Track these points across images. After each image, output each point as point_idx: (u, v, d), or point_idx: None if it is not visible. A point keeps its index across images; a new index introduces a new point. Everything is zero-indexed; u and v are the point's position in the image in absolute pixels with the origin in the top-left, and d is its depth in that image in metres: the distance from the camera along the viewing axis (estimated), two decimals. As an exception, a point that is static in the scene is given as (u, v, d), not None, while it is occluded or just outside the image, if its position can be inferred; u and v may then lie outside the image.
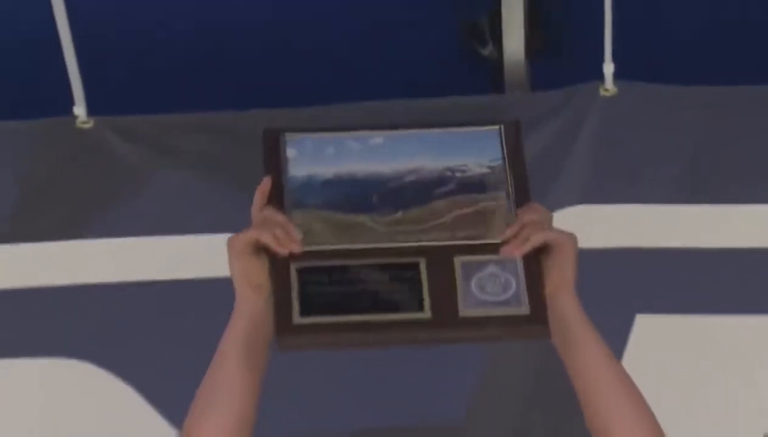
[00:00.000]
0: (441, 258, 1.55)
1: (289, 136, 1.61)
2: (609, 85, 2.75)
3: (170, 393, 2.55)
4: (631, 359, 2.53)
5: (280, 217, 1.48)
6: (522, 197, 1.58)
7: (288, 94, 2.79)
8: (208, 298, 2.64)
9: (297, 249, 1.46)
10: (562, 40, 2.87)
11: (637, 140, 2.76)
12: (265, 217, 1.48)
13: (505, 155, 1.62)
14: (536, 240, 1.48)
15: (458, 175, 1.61)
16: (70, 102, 2.76)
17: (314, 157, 1.60)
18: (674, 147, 2.75)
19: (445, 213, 1.59)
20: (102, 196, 2.74)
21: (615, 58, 2.74)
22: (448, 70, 2.85)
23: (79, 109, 2.75)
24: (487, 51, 2.83)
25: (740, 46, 2.83)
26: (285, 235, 1.46)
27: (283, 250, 1.44)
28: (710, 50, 2.82)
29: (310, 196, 1.57)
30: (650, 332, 2.62)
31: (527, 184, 1.59)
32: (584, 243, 2.69)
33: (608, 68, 2.74)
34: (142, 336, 2.65)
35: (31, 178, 2.76)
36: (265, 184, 1.50)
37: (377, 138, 1.61)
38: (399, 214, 1.57)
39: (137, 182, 2.76)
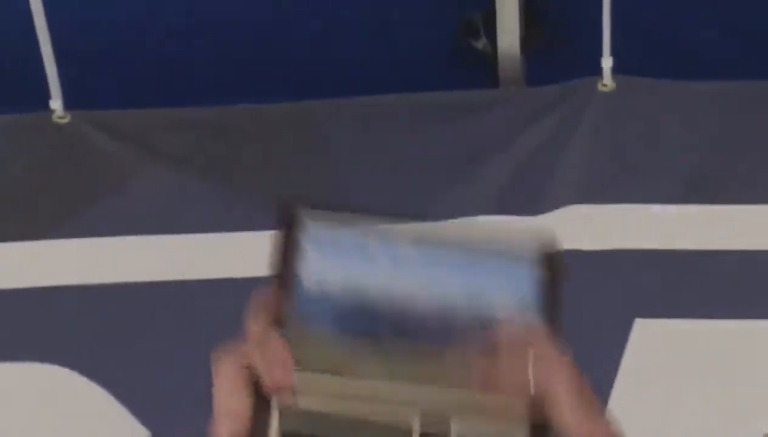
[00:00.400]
0: (438, 422, 1.42)
1: (309, 223, 1.43)
2: (607, 80, 2.69)
3: (147, 398, 2.49)
4: (629, 363, 2.48)
5: (280, 347, 1.39)
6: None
7: (283, 91, 2.73)
8: (191, 300, 2.59)
9: (288, 385, 1.38)
10: (560, 35, 2.82)
11: (636, 136, 2.71)
12: (265, 343, 1.39)
13: (541, 298, 1.47)
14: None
15: (484, 320, 1.42)
16: (46, 95, 2.68)
17: (331, 258, 1.40)
18: (675, 143, 2.69)
19: (458, 368, 1.43)
20: (79, 195, 2.68)
21: (613, 53, 2.68)
22: (446, 69, 2.81)
23: (56, 103, 2.68)
24: (481, 44, 2.77)
25: (739, 41, 2.78)
26: (282, 373, 1.38)
27: (274, 393, 1.38)
28: (709, 45, 2.78)
29: (317, 314, 1.38)
30: (649, 336, 2.56)
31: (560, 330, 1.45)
32: (582, 244, 2.64)
33: (606, 63, 2.68)
34: (120, 339, 2.58)
35: (3, 175, 2.68)
36: (273, 299, 1.40)
37: (407, 249, 1.42)
38: (407, 358, 1.38)
39: (117, 180, 2.69)
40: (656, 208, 2.66)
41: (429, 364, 1.34)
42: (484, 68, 2.80)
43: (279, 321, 1.31)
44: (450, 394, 1.33)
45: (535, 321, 1.35)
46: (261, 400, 1.39)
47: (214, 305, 2.48)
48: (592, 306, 2.48)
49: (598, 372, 1.92)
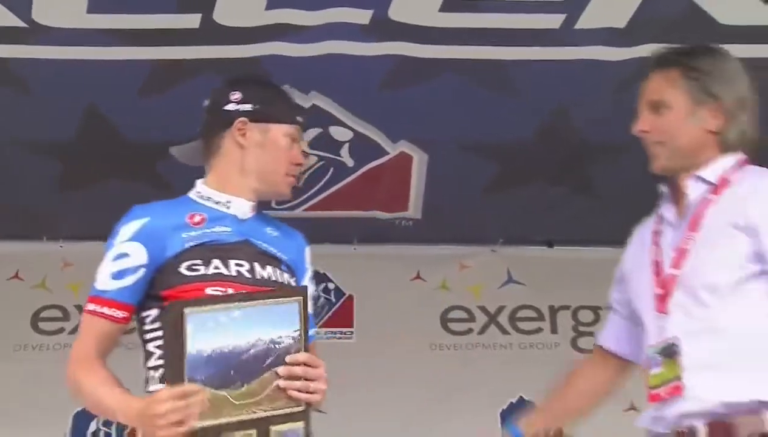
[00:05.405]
0: (264, 429, 1.78)
1: (189, 312, 1.76)
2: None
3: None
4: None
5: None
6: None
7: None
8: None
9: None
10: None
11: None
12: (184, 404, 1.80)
13: (301, 326, 1.82)
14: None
15: (277, 346, 1.79)
16: None
17: (202, 331, 1.75)
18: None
19: (268, 385, 1.78)
20: None
21: None
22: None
23: None
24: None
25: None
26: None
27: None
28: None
29: (199, 372, 1.76)
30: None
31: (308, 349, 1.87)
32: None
33: None
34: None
35: None
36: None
37: (235, 312, 1.80)
38: (244, 388, 1.77)
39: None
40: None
41: (256, 394, 1.76)
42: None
43: (182, 381, 1.77)
44: (268, 407, 1.77)
45: (301, 342, 1.77)
46: None
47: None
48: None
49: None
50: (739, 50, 2.90)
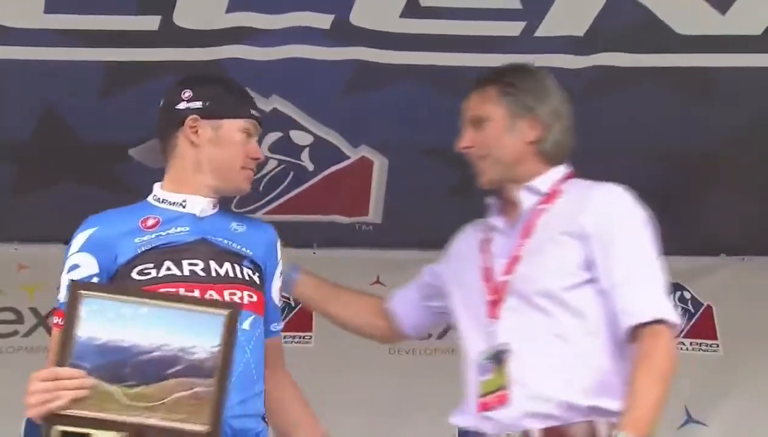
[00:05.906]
0: None
1: (85, 295, 1.66)
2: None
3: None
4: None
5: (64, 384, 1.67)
6: (225, 384, 1.66)
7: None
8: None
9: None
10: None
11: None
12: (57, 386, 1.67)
13: (223, 342, 1.67)
14: None
15: (188, 356, 1.65)
16: None
17: (99, 317, 1.65)
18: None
19: (170, 393, 1.64)
20: None
21: None
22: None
23: None
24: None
25: None
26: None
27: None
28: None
29: (86, 359, 1.65)
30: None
31: (230, 370, 1.67)
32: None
33: None
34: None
35: None
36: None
37: (144, 308, 1.67)
38: (140, 389, 1.64)
39: None
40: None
41: (152, 400, 1.63)
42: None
43: (65, 363, 1.65)
44: (165, 416, 1.62)
45: (218, 359, 1.58)
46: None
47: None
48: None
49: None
50: (695, 60, 3.00)
